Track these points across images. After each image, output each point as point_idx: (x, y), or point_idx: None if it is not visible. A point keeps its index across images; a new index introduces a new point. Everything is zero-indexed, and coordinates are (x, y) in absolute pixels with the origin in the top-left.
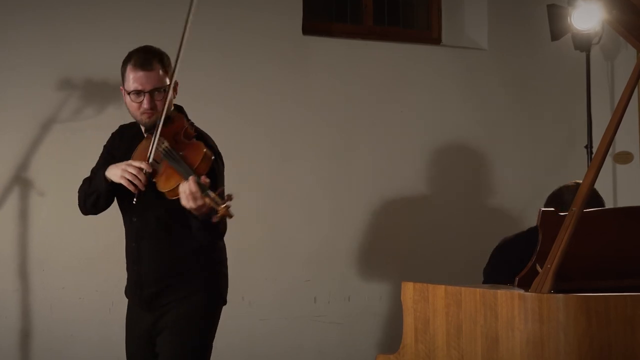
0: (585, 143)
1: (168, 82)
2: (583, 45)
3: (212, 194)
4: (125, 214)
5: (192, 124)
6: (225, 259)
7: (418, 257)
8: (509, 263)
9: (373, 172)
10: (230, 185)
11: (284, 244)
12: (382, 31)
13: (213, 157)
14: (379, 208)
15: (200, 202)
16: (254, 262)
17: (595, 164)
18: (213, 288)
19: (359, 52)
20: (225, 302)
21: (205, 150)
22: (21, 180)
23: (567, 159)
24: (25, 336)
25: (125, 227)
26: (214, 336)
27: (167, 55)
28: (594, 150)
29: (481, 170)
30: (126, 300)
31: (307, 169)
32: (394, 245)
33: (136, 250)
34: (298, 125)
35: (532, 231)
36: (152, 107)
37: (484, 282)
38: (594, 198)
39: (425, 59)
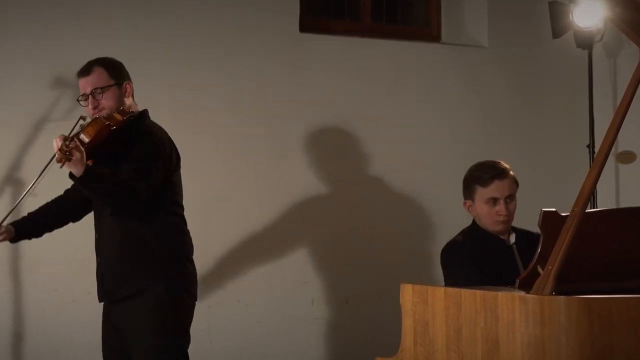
0: (587, 142)
1: (112, 82)
2: (585, 42)
3: (67, 141)
4: (93, 207)
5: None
6: (188, 252)
7: (417, 258)
8: (467, 260)
9: (372, 171)
10: (227, 183)
11: (281, 245)
12: (380, 29)
13: (107, 123)
14: (378, 208)
15: (55, 151)
16: (250, 263)
17: (598, 164)
18: (170, 282)
19: (357, 50)
20: (192, 297)
21: (100, 118)
22: (13, 181)
23: (568, 158)
24: (18, 339)
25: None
26: (181, 334)
27: (115, 62)
28: (596, 149)
29: None
30: None
31: (304, 168)
32: (392, 247)
33: (97, 241)
34: (295, 124)
35: (472, 228)
36: (95, 106)
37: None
38: None
39: (425, 56)
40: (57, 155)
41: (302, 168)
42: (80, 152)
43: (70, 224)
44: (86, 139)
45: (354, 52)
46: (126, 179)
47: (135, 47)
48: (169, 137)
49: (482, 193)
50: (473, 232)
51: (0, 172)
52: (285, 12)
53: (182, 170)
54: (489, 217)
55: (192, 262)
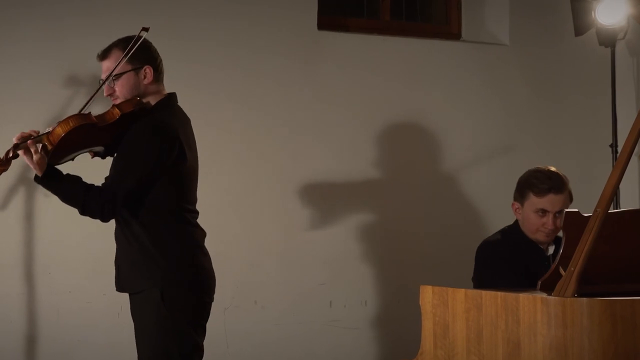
0: (610, 142)
1: (129, 67)
2: (608, 40)
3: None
4: None
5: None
6: (193, 256)
7: (438, 259)
8: (496, 260)
9: (390, 171)
10: (244, 182)
11: (298, 246)
12: (399, 26)
13: (86, 123)
14: (397, 208)
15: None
16: (267, 264)
17: (620, 164)
18: (167, 287)
19: (376, 48)
20: (198, 304)
21: (80, 115)
22: (27, 181)
23: (591, 158)
24: (31, 342)
25: None
26: (181, 341)
27: (136, 42)
28: (619, 149)
29: (502, 170)
30: None
31: (321, 167)
32: (412, 247)
33: (115, 233)
34: (312, 123)
35: (513, 229)
36: (109, 93)
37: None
38: None
39: (444, 54)
40: None
41: (319, 167)
42: (33, 155)
43: (82, 225)
44: (53, 140)
45: (373, 50)
46: (104, 183)
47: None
48: (174, 134)
49: (534, 202)
50: (513, 233)
51: (14, 172)
52: (302, 9)
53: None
54: (533, 227)
55: (199, 266)
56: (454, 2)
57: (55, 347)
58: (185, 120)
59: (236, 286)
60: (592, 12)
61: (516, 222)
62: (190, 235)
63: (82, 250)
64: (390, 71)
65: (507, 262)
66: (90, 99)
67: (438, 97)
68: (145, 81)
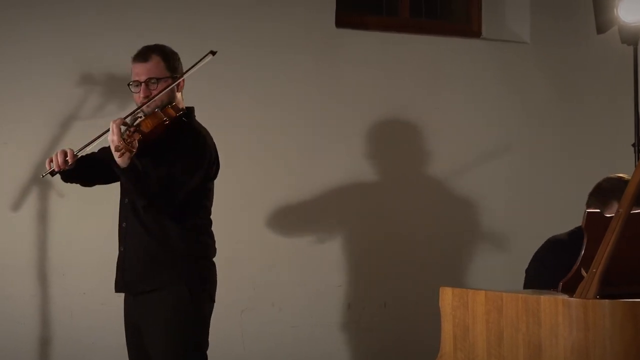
0: (633, 141)
1: (168, 74)
2: (630, 38)
3: (128, 130)
4: (121, 194)
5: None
6: (211, 254)
7: (457, 261)
8: (558, 262)
9: (409, 170)
10: (260, 182)
11: (316, 247)
12: (418, 24)
13: (164, 119)
14: (416, 209)
15: (114, 137)
16: (284, 266)
17: None
18: (193, 283)
19: (395, 46)
20: (212, 300)
21: (159, 112)
22: (40, 181)
23: (613, 157)
24: (45, 344)
25: (119, 207)
26: (200, 336)
27: (173, 53)
28: None
29: (522, 169)
30: None
31: (339, 166)
32: (432, 249)
33: (123, 230)
34: (330, 121)
35: (582, 232)
36: (146, 95)
37: (527, 282)
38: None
39: (464, 53)
40: (116, 143)
41: (335, 166)
42: (136, 145)
43: (96, 225)
44: (145, 132)
45: (391, 48)
46: (166, 182)
47: (165, 42)
48: (214, 143)
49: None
50: (581, 237)
51: (27, 172)
52: (321, 7)
53: None
54: None
55: (214, 264)
56: None
57: (69, 349)
58: None
59: (253, 288)
60: (615, 10)
61: None
62: (210, 236)
63: (96, 251)
64: (409, 69)
65: (562, 266)
66: (151, 99)
67: (458, 96)
68: (179, 89)
